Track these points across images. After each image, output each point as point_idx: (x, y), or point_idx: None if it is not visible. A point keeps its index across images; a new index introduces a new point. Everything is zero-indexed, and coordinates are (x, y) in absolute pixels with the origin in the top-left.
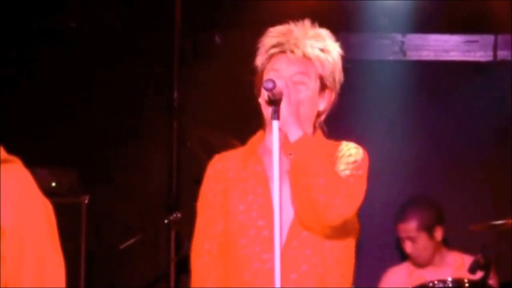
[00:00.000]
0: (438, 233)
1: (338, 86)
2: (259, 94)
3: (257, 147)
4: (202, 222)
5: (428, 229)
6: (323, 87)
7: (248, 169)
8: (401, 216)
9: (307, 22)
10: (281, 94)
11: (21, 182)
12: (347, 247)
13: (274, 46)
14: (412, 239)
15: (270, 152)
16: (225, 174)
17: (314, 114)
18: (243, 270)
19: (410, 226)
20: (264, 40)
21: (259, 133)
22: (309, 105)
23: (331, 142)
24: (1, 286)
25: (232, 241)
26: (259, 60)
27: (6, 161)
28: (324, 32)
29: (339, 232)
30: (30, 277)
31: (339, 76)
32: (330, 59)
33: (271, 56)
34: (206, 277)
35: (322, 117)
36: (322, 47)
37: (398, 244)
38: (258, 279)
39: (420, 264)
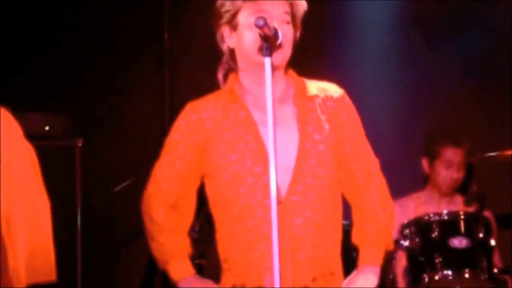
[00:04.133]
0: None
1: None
2: (222, 39)
3: (235, 91)
4: (164, 171)
5: (467, 160)
6: (294, 26)
7: (231, 117)
8: (458, 141)
9: None
10: (273, 30)
11: (4, 125)
12: (339, 199)
13: None
14: (459, 166)
15: (252, 95)
16: (202, 125)
17: None
18: (245, 218)
19: (463, 152)
20: None
21: (232, 76)
22: (292, 44)
23: (303, 79)
24: None
25: (229, 192)
26: (234, 3)
27: None
28: None
29: (335, 183)
30: (21, 215)
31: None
32: None
33: None
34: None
35: None
36: None
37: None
38: (263, 227)
39: (443, 193)
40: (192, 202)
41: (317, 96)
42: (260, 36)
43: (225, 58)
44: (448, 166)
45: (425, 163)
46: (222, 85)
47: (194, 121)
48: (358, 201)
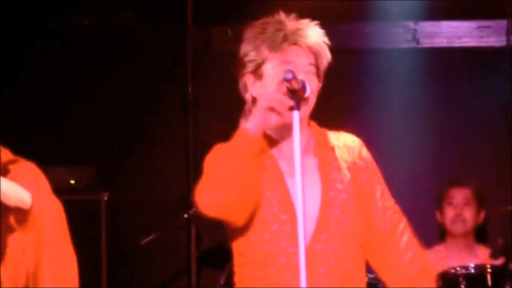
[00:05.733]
0: (482, 215)
1: None
2: (245, 88)
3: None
4: None
5: (479, 203)
6: (318, 77)
7: None
8: (458, 181)
9: (282, 14)
10: (301, 83)
11: (35, 181)
12: (361, 245)
13: (284, 38)
14: (463, 203)
15: (276, 144)
16: None
17: None
18: (268, 264)
19: (467, 191)
20: (264, 32)
21: None
22: (316, 95)
23: (324, 130)
24: (23, 275)
25: (253, 237)
26: (260, 53)
27: (15, 161)
28: (312, 23)
29: (360, 230)
30: (48, 272)
31: None
32: (327, 50)
33: (281, 49)
34: None
35: None
36: (322, 37)
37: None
38: (286, 274)
39: (456, 235)
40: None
41: (337, 146)
42: (288, 89)
43: (247, 107)
44: (451, 203)
45: (438, 214)
46: None
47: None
48: (388, 250)
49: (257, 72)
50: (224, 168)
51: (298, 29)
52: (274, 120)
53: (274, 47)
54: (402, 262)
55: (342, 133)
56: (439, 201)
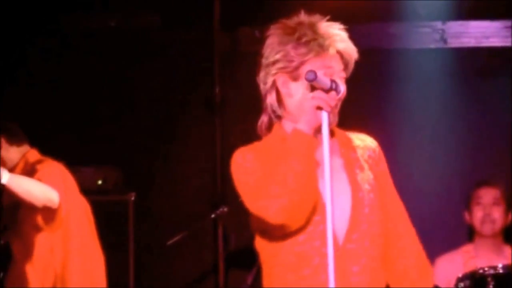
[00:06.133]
0: (510, 216)
1: None
2: (273, 86)
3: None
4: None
5: (508, 204)
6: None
7: None
8: (487, 181)
9: (304, 14)
10: (327, 84)
11: (62, 181)
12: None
13: (329, 44)
14: (492, 203)
15: None
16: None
17: None
18: (302, 266)
19: (496, 191)
20: (305, 35)
21: (277, 125)
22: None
23: (344, 131)
24: (52, 275)
25: (288, 238)
26: (300, 55)
27: (42, 161)
28: (341, 26)
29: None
30: (76, 270)
31: None
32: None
33: (325, 54)
34: None
35: None
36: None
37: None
38: (321, 275)
39: (484, 235)
40: None
41: (358, 146)
42: (312, 88)
43: (269, 104)
44: (479, 203)
45: (466, 215)
46: (264, 130)
47: (251, 160)
48: (392, 262)
49: (293, 73)
50: (287, 172)
51: (336, 35)
52: (322, 118)
53: (320, 52)
54: (405, 264)
55: (360, 134)
56: (468, 202)
